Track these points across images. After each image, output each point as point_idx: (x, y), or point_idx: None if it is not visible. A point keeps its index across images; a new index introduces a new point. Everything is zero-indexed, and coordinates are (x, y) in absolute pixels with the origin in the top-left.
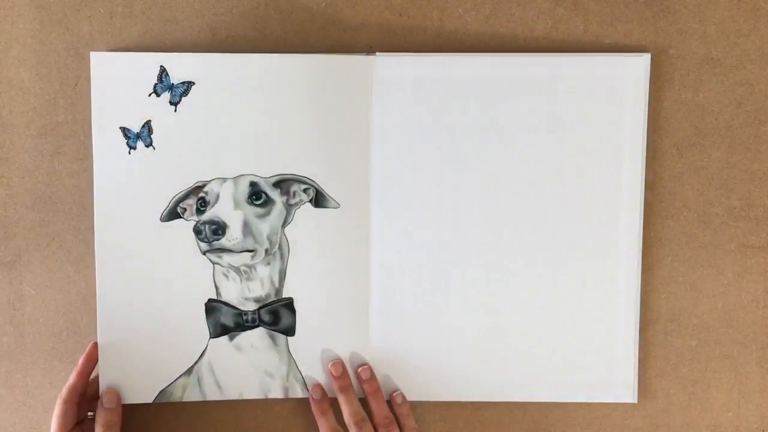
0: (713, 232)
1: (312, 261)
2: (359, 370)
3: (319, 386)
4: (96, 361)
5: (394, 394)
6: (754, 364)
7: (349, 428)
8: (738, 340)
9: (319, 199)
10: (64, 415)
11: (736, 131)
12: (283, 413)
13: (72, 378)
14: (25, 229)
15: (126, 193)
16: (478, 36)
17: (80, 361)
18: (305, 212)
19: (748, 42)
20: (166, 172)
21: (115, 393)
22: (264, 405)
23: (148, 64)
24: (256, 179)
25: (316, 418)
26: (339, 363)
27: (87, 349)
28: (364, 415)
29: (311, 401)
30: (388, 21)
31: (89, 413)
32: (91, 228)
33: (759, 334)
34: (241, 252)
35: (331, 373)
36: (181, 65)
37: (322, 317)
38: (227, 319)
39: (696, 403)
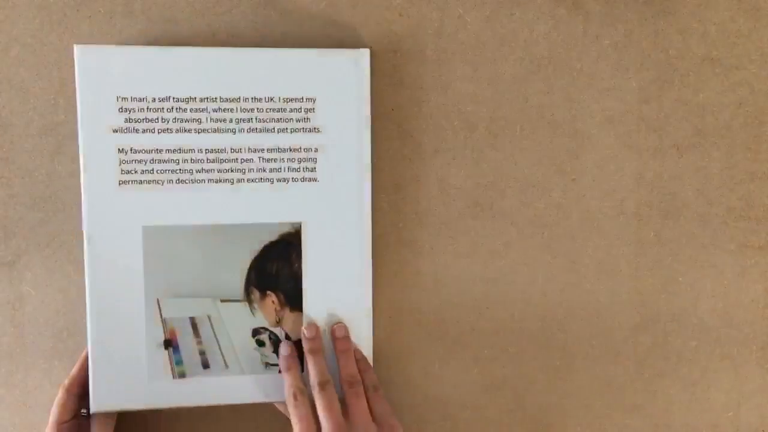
0: (713, 232)
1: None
2: (334, 326)
3: (314, 326)
4: None
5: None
6: (754, 364)
7: (312, 389)
8: (738, 340)
9: None
10: (65, 403)
11: (736, 131)
12: (283, 415)
13: (75, 369)
14: (25, 229)
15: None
16: (478, 36)
17: (83, 353)
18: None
19: (748, 42)
20: None
21: None
22: (264, 406)
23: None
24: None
25: (282, 372)
26: (314, 325)
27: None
28: (329, 377)
29: (280, 357)
30: (388, 21)
31: (83, 410)
32: None
33: (759, 334)
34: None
35: (305, 334)
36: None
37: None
38: None
39: (696, 403)
